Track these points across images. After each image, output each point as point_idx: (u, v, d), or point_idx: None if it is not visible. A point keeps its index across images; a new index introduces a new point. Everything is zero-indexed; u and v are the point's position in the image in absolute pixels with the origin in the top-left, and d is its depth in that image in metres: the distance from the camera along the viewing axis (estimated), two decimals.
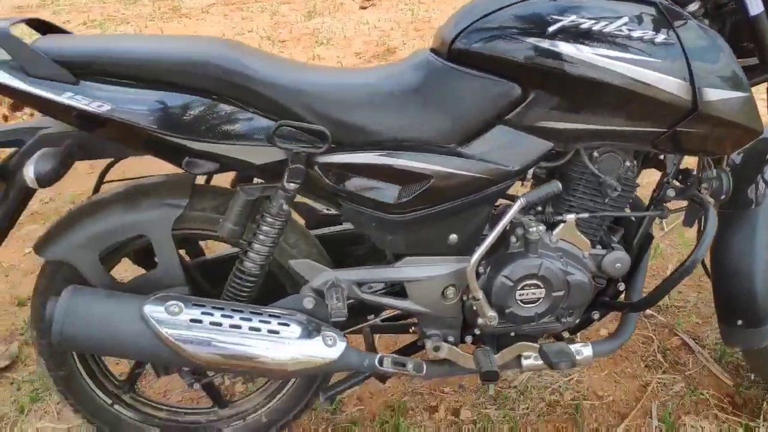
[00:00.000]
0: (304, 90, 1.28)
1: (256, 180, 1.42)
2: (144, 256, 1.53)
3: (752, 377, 1.86)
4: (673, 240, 2.44)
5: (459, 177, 1.35)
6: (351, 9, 5.51)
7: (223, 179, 1.43)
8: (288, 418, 1.64)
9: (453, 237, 1.43)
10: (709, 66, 1.32)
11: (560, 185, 1.41)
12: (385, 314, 1.55)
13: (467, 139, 1.36)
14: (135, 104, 1.20)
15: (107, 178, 1.50)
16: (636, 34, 1.29)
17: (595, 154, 1.43)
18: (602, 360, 1.95)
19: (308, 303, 1.38)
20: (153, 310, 1.26)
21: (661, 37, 1.29)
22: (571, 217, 1.45)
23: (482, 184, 1.38)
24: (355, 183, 1.34)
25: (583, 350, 1.53)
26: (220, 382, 1.65)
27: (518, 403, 1.82)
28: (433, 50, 1.40)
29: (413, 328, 1.58)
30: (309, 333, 1.33)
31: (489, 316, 1.45)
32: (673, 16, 1.31)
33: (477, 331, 1.53)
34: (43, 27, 1.32)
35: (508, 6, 1.32)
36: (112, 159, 1.47)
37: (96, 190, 1.50)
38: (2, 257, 1.32)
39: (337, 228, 1.60)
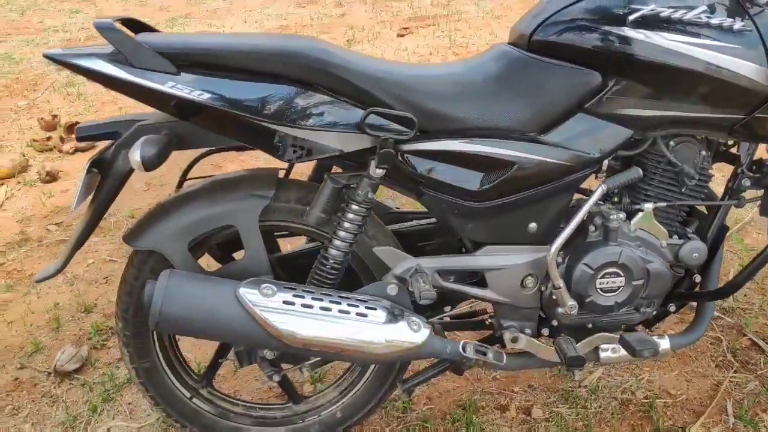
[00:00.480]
0: (392, 79, 1.32)
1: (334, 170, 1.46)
2: (224, 250, 1.57)
3: None
4: (732, 246, 2.43)
5: (541, 164, 1.37)
6: (389, 37, 5.62)
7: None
8: (362, 414, 1.65)
9: (532, 225, 1.44)
10: None
11: (641, 171, 1.43)
12: (461, 306, 1.56)
13: (548, 127, 1.39)
14: (233, 93, 1.24)
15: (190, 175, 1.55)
16: (714, 21, 1.31)
17: (672, 143, 1.45)
18: (672, 360, 1.93)
19: (392, 290, 1.40)
20: (247, 292, 1.28)
21: (738, 24, 1.32)
22: (648, 206, 1.46)
23: (563, 172, 1.40)
24: (438, 170, 1.36)
25: (661, 342, 1.53)
26: (296, 378, 1.66)
27: (590, 402, 1.80)
28: (511, 44, 1.44)
29: (489, 320, 1.59)
30: (395, 317, 1.34)
31: (569, 306, 1.46)
32: (749, 4, 1.33)
33: (554, 323, 1.53)
34: (136, 26, 1.38)
35: None
36: (195, 157, 1.53)
37: (180, 185, 1.54)
38: (67, 268, 1.37)
39: (407, 224, 1.62)
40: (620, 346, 1.51)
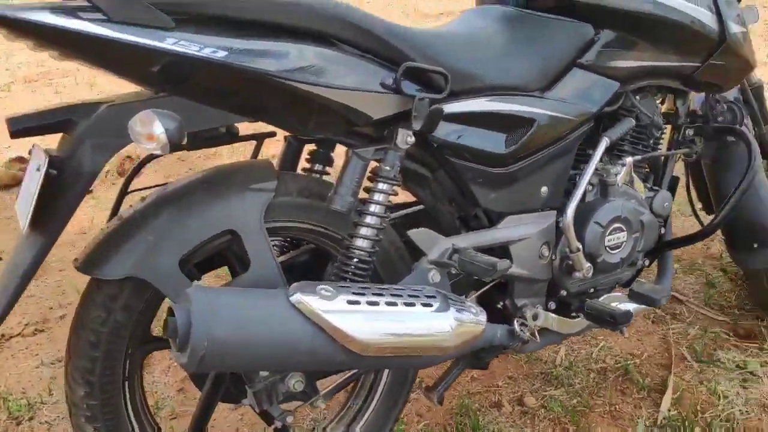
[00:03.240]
0: (419, 37, 1.18)
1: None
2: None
3: (736, 312, 2.03)
4: None
5: (557, 120, 1.33)
6: None
7: None
8: None
9: (544, 189, 1.38)
10: (726, 3, 1.48)
11: (634, 121, 1.45)
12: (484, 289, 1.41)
13: (551, 83, 1.35)
14: (251, 49, 0.99)
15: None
16: None
17: (637, 97, 1.50)
18: None
19: (434, 276, 1.22)
20: (304, 298, 1.01)
21: None
22: (629, 159, 1.49)
23: (571, 128, 1.37)
24: (466, 135, 1.24)
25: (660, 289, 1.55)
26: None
27: (571, 379, 1.76)
28: (501, 1, 1.38)
29: (501, 303, 1.46)
30: (455, 304, 1.16)
31: (586, 268, 1.41)
32: None
33: (563, 293, 1.46)
34: None
35: None
36: (139, 162, 1.21)
37: (119, 200, 1.20)
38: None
39: (407, 210, 1.44)
40: (633, 303, 1.49)
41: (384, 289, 1.11)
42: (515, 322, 1.32)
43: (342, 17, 1.08)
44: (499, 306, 1.45)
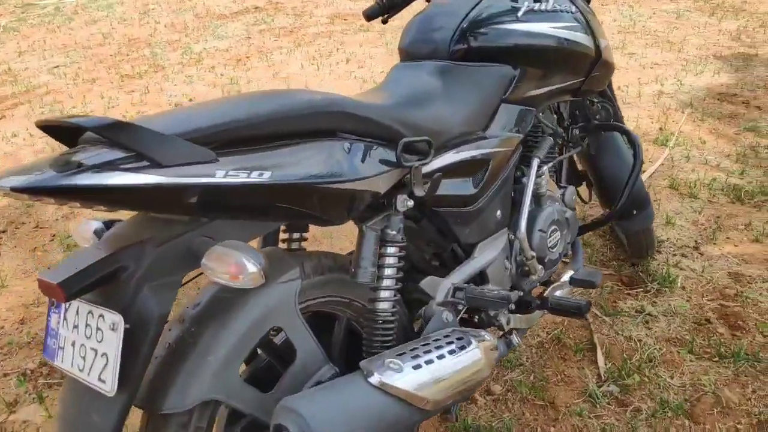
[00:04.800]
0: (398, 109, 1.30)
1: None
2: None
3: (615, 263, 2.43)
4: None
5: (502, 153, 1.52)
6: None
7: None
8: None
9: (498, 213, 1.57)
10: (595, 23, 1.76)
11: (551, 139, 1.69)
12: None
13: (488, 123, 1.53)
14: (287, 163, 1.05)
15: None
16: (562, 7, 1.64)
17: (540, 114, 1.75)
18: None
19: (447, 317, 1.37)
20: (383, 377, 1.11)
21: (573, 8, 1.68)
22: (545, 167, 1.74)
23: (511, 155, 1.56)
24: (443, 185, 1.38)
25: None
26: None
27: (520, 359, 2.02)
28: (425, 57, 1.52)
29: (477, 317, 1.65)
30: (473, 336, 1.32)
31: (539, 271, 1.64)
32: None
33: (520, 294, 1.68)
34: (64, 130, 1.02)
35: (477, 3, 1.53)
36: None
37: None
38: None
39: None
40: (570, 288, 1.76)
41: (425, 344, 1.24)
42: (513, 333, 1.51)
43: (343, 111, 1.16)
44: (475, 320, 1.64)
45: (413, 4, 1.85)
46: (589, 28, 1.72)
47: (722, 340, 2.03)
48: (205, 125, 1.00)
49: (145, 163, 0.92)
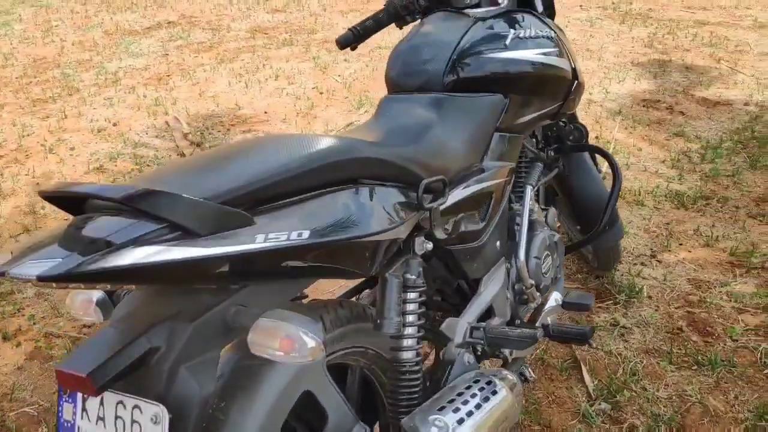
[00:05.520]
0: (408, 149, 1.25)
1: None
2: None
3: (580, 277, 2.47)
4: None
5: (500, 184, 1.50)
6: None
7: None
8: None
9: (498, 244, 1.55)
10: (569, 45, 1.77)
11: (541, 164, 1.68)
12: None
13: (484, 153, 1.50)
14: (320, 219, 0.98)
15: None
16: (543, 34, 1.64)
17: (522, 139, 1.74)
18: None
19: (469, 359, 1.33)
20: None
21: (552, 34, 1.68)
22: (531, 193, 1.73)
23: (505, 186, 1.54)
24: (455, 222, 1.34)
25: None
26: None
27: None
28: (418, 90, 1.47)
29: (481, 348, 1.61)
30: (497, 377, 1.29)
31: (537, 297, 1.63)
32: (548, 20, 1.70)
33: (518, 322, 1.67)
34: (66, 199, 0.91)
35: (465, 33, 1.50)
36: None
37: None
38: None
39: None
40: (563, 310, 1.76)
41: (460, 394, 1.20)
42: (524, 367, 1.49)
43: (365, 157, 1.10)
44: (478, 353, 1.60)
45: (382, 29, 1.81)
46: (566, 51, 1.73)
47: (697, 347, 2.09)
48: (235, 185, 0.91)
49: (178, 233, 0.82)
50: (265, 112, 4.26)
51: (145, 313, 0.93)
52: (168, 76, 5.05)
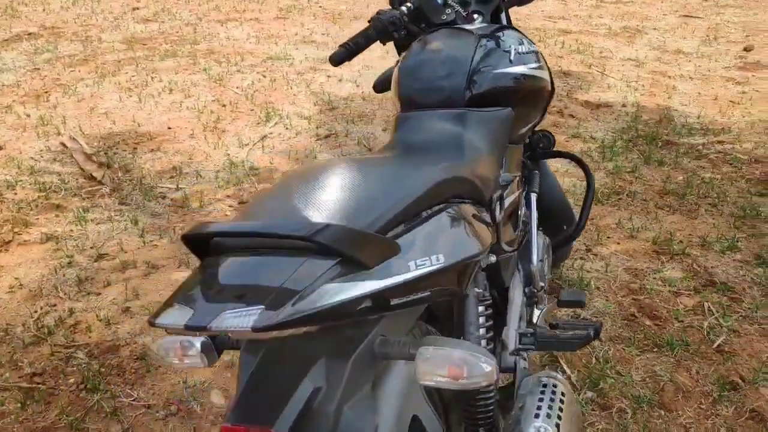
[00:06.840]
0: (468, 165, 1.28)
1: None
2: None
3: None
4: None
5: (517, 195, 1.57)
6: None
7: None
8: None
9: (512, 249, 1.62)
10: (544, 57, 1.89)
11: (538, 172, 1.77)
12: None
13: (500, 166, 1.57)
14: (447, 242, 1.00)
15: None
16: (532, 49, 1.74)
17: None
18: None
19: (524, 364, 1.38)
20: None
21: (535, 48, 1.78)
22: (535, 199, 1.82)
23: (520, 195, 1.62)
24: (506, 229, 1.39)
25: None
26: None
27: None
28: (437, 106, 1.50)
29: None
30: (554, 376, 1.35)
31: (545, 299, 1.72)
32: (524, 34, 1.81)
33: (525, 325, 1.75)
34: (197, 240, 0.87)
35: (475, 50, 1.56)
36: None
37: None
38: None
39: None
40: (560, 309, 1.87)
41: (540, 399, 1.24)
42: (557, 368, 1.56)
43: (461, 176, 1.12)
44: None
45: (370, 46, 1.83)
46: (545, 63, 1.84)
47: (652, 331, 2.30)
48: (376, 213, 0.91)
49: (350, 267, 0.81)
50: (169, 128, 4.05)
51: (289, 356, 0.89)
52: (46, 92, 4.65)
